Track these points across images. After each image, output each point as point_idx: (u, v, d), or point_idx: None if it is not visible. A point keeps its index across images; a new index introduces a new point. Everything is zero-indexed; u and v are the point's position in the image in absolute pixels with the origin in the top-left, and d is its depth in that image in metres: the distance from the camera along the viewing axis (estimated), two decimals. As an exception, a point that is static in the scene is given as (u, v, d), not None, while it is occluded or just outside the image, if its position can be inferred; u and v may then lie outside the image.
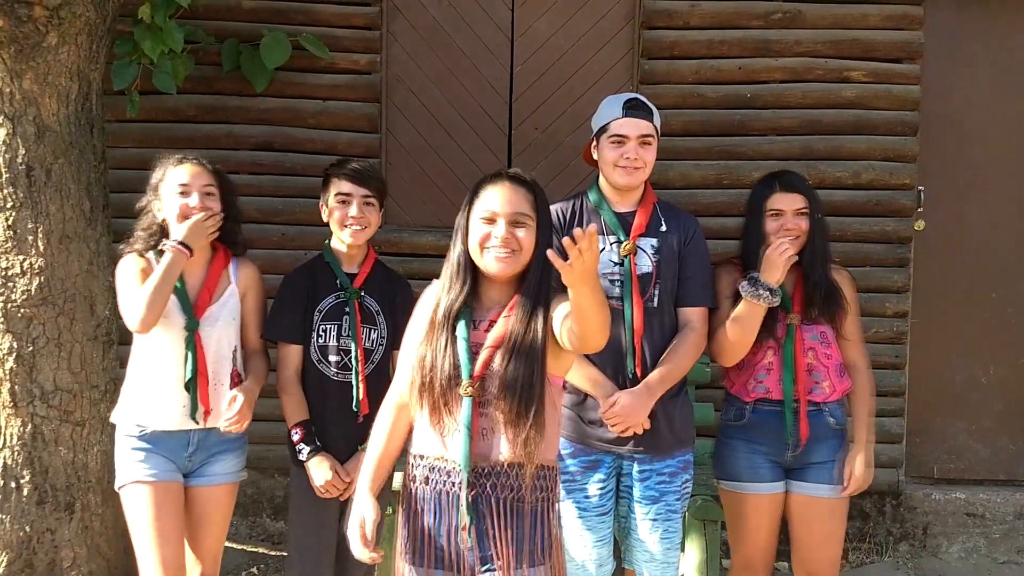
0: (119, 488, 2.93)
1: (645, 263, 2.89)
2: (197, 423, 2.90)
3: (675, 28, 4.43)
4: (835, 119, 4.43)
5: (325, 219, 3.11)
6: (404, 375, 2.33)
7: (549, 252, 2.01)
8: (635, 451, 2.88)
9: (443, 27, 4.55)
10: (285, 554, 4.10)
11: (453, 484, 2.22)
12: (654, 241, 2.91)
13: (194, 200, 2.90)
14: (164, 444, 2.90)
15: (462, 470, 2.19)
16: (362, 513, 2.30)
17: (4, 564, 3.44)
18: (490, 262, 2.24)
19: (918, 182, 4.48)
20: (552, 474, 2.30)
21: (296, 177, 4.44)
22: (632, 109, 2.89)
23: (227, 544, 4.40)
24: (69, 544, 3.48)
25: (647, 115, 2.90)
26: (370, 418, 3.03)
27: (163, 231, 2.95)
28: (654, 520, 2.89)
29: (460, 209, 2.32)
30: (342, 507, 3.06)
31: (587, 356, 2.79)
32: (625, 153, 2.87)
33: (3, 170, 3.39)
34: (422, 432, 2.28)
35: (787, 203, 2.98)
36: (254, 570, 4.31)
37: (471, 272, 2.28)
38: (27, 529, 3.44)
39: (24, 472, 3.43)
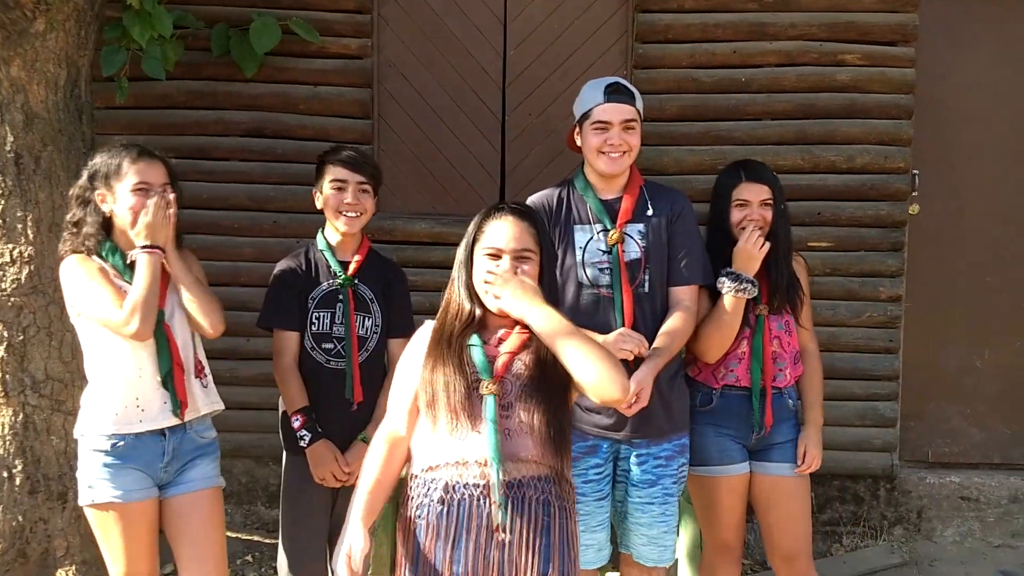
0: (84, 505, 2.77)
1: (633, 249, 2.88)
2: (178, 419, 2.77)
3: (669, 11, 4.40)
4: (830, 103, 4.41)
5: (319, 206, 3.09)
6: (399, 409, 2.32)
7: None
8: (633, 436, 2.88)
9: (435, 11, 4.52)
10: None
11: (478, 487, 2.15)
12: (641, 226, 2.90)
13: (154, 199, 2.70)
14: (138, 456, 2.73)
15: (492, 463, 2.13)
16: (351, 543, 2.26)
17: (-3, 554, 3.43)
18: (492, 300, 2.24)
19: (913, 166, 4.46)
20: (570, 487, 2.28)
21: (287, 164, 4.40)
22: (614, 94, 2.86)
23: (221, 532, 4.43)
24: (62, 533, 3.47)
25: (629, 99, 2.88)
26: (363, 406, 3.03)
27: (107, 227, 2.78)
28: (651, 503, 2.90)
29: (462, 243, 2.32)
30: (335, 496, 3.06)
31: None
32: (608, 139, 2.85)
33: (-9, 158, 3.36)
34: (436, 443, 2.21)
35: (753, 194, 3.02)
36: (249, 558, 4.30)
37: (476, 304, 2.27)
38: (20, 519, 3.42)
39: (16, 462, 3.41)
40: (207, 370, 2.94)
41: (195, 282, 2.80)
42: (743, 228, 3.01)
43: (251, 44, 4.13)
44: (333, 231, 3.07)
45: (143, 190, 2.73)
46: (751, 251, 2.91)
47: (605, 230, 2.87)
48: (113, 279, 2.76)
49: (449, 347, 2.23)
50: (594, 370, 2.09)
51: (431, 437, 2.22)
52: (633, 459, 2.91)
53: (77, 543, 3.48)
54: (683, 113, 4.43)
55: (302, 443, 2.96)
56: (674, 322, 2.88)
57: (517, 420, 2.17)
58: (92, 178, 2.79)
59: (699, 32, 4.40)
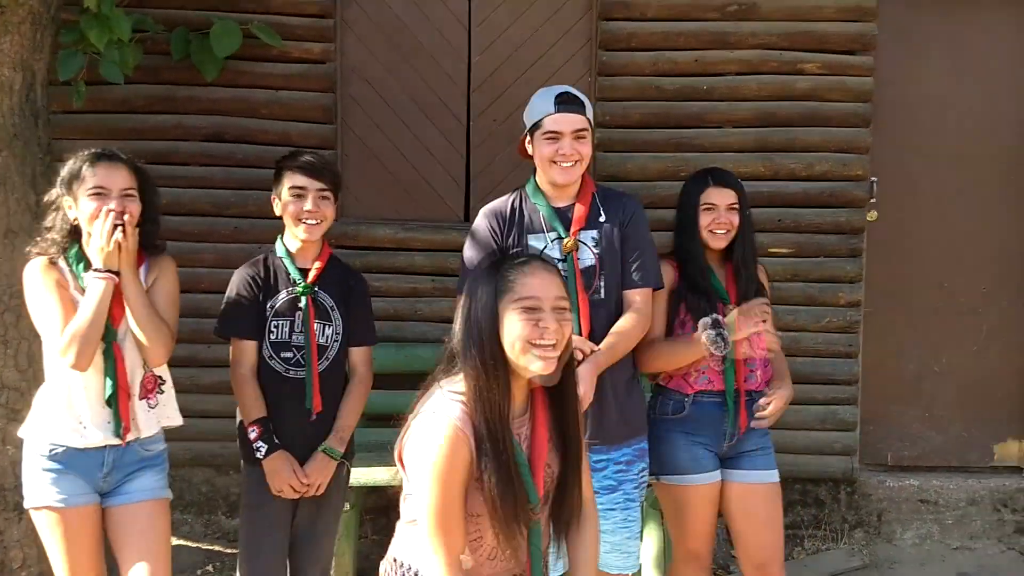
0: (28, 507, 2.76)
1: (587, 256, 2.88)
2: (118, 440, 2.73)
3: (632, 19, 4.42)
4: (790, 111, 4.46)
5: (278, 213, 3.05)
6: (455, 531, 1.92)
7: None
8: (591, 442, 2.88)
9: (399, 16, 4.50)
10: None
11: None
12: (594, 233, 2.89)
13: (112, 204, 2.65)
14: (77, 464, 2.70)
15: None
16: None
17: (-50, 567, 3.36)
18: (539, 362, 1.91)
19: (871, 173, 4.52)
20: None
21: (248, 169, 4.36)
22: (564, 104, 2.85)
23: (183, 542, 4.37)
24: (18, 544, 3.41)
25: (580, 108, 2.88)
26: (324, 416, 2.99)
27: (75, 232, 2.74)
28: (612, 509, 2.89)
29: (473, 297, 1.97)
30: (295, 506, 3.02)
31: None
32: (560, 149, 2.84)
33: (-56, 163, 3.29)
34: (474, 559, 2.00)
35: (720, 198, 3.06)
36: (209, 568, 4.25)
37: (507, 373, 1.93)
38: (-26, 531, 3.35)
39: (-30, 473, 3.34)
40: (166, 384, 2.89)
41: (145, 310, 2.71)
42: (710, 232, 3.04)
43: (212, 48, 4.09)
44: (292, 238, 3.03)
45: (99, 194, 2.67)
46: (747, 326, 2.94)
47: (559, 238, 2.86)
48: (72, 290, 2.72)
49: (498, 442, 1.89)
50: None
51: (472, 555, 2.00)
52: (593, 465, 2.89)
53: (34, 554, 3.41)
54: (646, 120, 4.45)
55: (258, 455, 2.92)
56: (624, 323, 2.87)
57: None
58: (60, 184, 2.75)
59: (662, 40, 4.43)
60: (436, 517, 1.90)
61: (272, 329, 2.97)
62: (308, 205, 2.94)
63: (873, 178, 4.54)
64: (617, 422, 2.89)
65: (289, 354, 2.97)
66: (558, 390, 2.01)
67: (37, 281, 2.72)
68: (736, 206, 3.06)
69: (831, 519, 4.63)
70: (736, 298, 3.05)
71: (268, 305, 2.98)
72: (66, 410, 2.71)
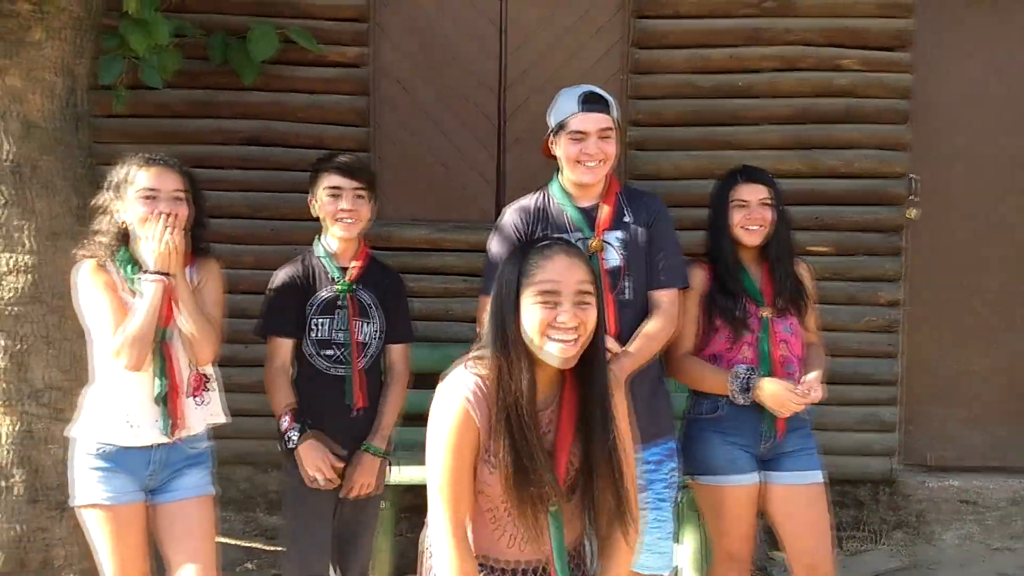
0: (75, 506, 2.79)
1: (613, 257, 2.86)
2: (167, 438, 2.76)
3: (666, 17, 4.41)
4: (828, 108, 4.42)
5: (315, 214, 3.09)
6: (461, 494, 1.97)
7: None
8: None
9: (432, 18, 4.53)
10: (281, 549, 4.09)
11: None
12: (620, 233, 2.87)
13: (162, 207, 2.70)
14: (125, 463, 2.74)
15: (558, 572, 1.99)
16: None
17: (-4, 563, 3.42)
18: (554, 350, 1.90)
19: (911, 170, 4.47)
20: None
21: (285, 172, 4.41)
22: (589, 103, 2.84)
23: (223, 539, 4.41)
24: (61, 543, 3.46)
25: (604, 108, 2.86)
26: (365, 412, 3.03)
27: (124, 235, 2.78)
28: (642, 509, 2.85)
29: (499, 282, 1.97)
30: (338, 502, 3.05)
31: None
32: (585, 149, 2.82)
33: (-11, 167, 3.36)
34: (489, 537, 2.03)
35: (752, 194, 3.01)
36: (249, 565, 4.30)
37: (530, 360, 1.93)
38: (19, 528, 3.41)
39: (16, 471, 3.40)
40: (213, 381, 2.93)
41: (194, 312, 2.76)
42: (743, 228, 3.00)
43: (249, 53, 4.14)
44: (330, 238, 3.07)
45: (150, 197, 2.72)
46: (784, 405, 2.89)
47: (584, 238, 2.85)
48: (122, 291, 2.76)
49: (519, 423, 1.90)
50: None
51: (481, 521, 2.03)
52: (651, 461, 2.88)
53: (76, 552, 3.46)
54: (681, 118, 4.44)
55: (290, 445, 2.94)
56: (651, 326, 2.84)
57: (566, 518, 2.02)
58: (108, 188, 2.80)
59: (697, 37, 4.41)
60: (443, 483, 1.95)
61: (313, 327, 3.01)
62: (344, 204, 2.98)
63: (913, 175, 4.49)
64: (644, 422, 2.86)
65: (331, 351, 3.01)
66: (584, 378, 1.99)
67: (89, 283, 2.76)
68: (769, 201, 3.01)
69: (871, 520, 4.58)
70: (771, 298, 3.01)
71: (309, 303, 3.02)
72: (116, 409, 2.75)
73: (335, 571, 3.13)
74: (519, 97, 4.54)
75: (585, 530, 2.09)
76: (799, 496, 3.01)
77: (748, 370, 2.92)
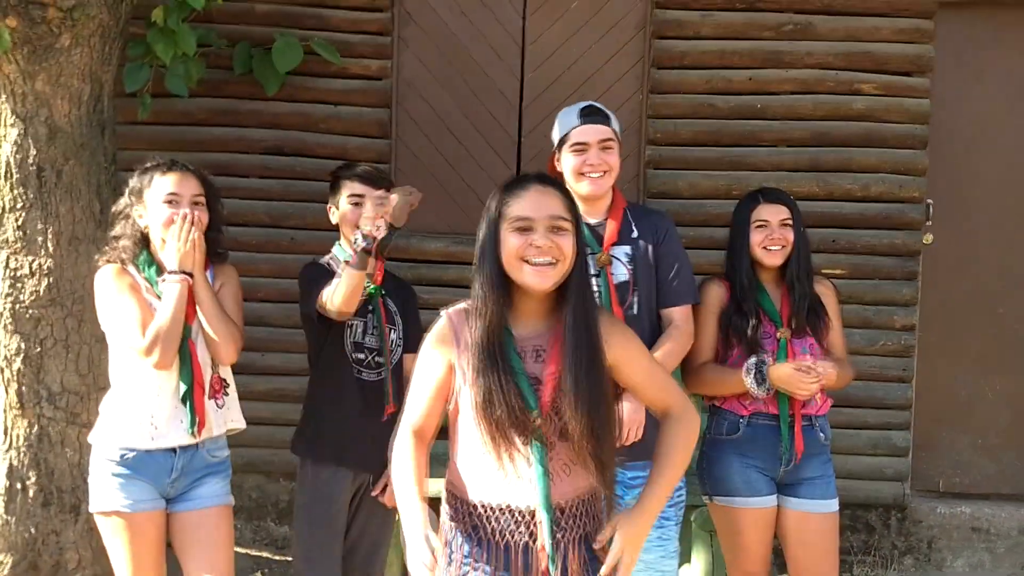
0: (94, 512, 2.80)
1: (621, 272, 2.87)
2: (193, 437, 2.78)
3: (686, 38, 4.43)
4: (845, 131, 4.43)
5: (334, 222, 3.10)
6: (421, 400, 2.12)
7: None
8: (626, 460, 2.86)
9: (454, 33, 4.56)
10: (289, 559, 4.09)
11: (522, 533, 2.02)
12: (627, 248, 2.89)
13: (184, 210, 2.74)
14: (146, 469, 2.75)
15: (542, 512, 1.98)
16: (422, 553, 1.96)
17: (9, 565, 3.44)
18: (530, 276, 2.00)
19: (927, 195, 4.47)
20: (606, 495, 2.15)
21: (306, 182, 4.43)
22: (589, 115, 2.88)
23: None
24: (74, 546, 3.48)
25: (604, 120, 2.90)
26: (393, 416, 3.01)
27: (144, 240, 2.82)
28: None
29: (482, 225, 2.08)
30: (351, 517, 3.05)
31: None
32: (587, 160, 2.85)
33: (14, 170, 3.40)
34: (479, 478, 2.05)
35: (772, 214, 3.03)
36: (258, 574, 4.30)
37: (506, 291, 2.03)
38: (32, 531, 3.44)
39: (30, 473, 3.43)
40: (230, 387, 2.94)
41: (216, 310, 2.80)
42: (764, 248, 3.01)
43: (273, 63, 4.18)
44: (350, 246, 3.06)
45: (172, 202, 2.76)
46: (796, 385, 2.88)
47: (592, 253, 2.85)
48: (145, 293, 2.78)
49: (492, 355, 1.99)
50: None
51: (473, 465, 2.06)
52: (627, 481, 2.87)
53: (89, 556, 3.48)
54: (698, 138, 4.45)
55: (367, 243, 2.82)
56: (667, 346, 2.86)
57: (561, 462, 2.03)
58: (130, 194, 2.84)
59: (716, 59, 4.43)
60: (411, 387, 2.14)
61: (349, 327, 2.98)
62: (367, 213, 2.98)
63: (929, 200, 4.49)
64: (651, 439, 2.87)
65: (361, 355, 3.00)
66: (568, 309, 2.04)
67: (112, 286, 2.78)
68: (789, 222, 3.03)
69: (881, 545, 4.56)
70: (788, 319, 3.01)
71: None
72: (139, 412, 2.75)
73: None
74: (539, 114, 4.56)
75: (585, 489, 2.06)
76: (814, 525, 2.99)
77: (759, 361, 2.93)
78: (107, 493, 2.75)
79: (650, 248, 2.90)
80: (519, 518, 2.02)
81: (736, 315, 3.01)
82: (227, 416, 2.91)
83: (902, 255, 4.46)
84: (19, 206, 3.40)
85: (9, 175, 3.41)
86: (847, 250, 4.45)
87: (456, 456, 2.11)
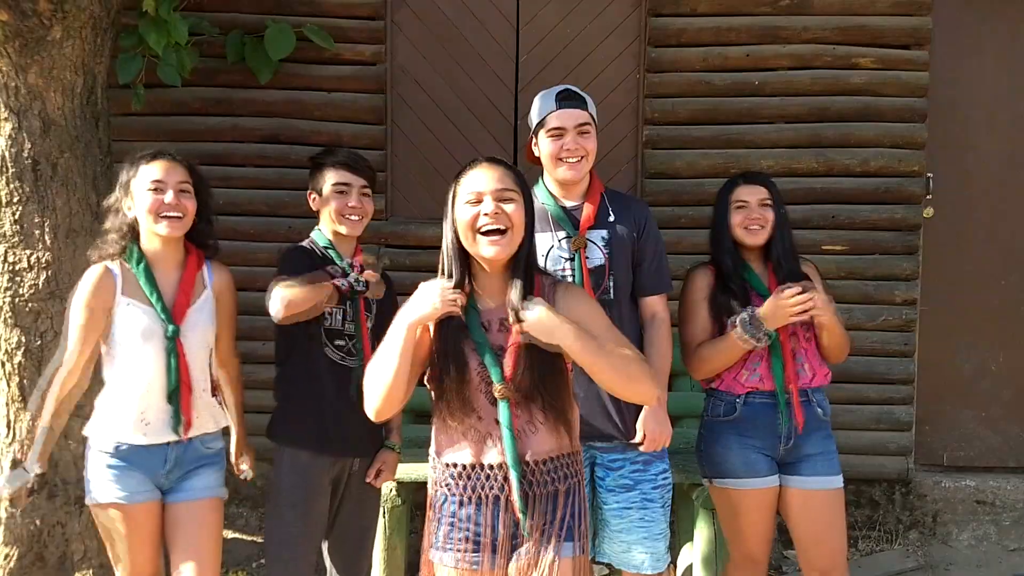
0: (90, 504, 2.80)
1: (597, 256, 2.86)
2: (178, 436, 2.77)
3: (682, 15, 4.41)
4: (843, 106, 4.41)
5: (315, 208, 3.02)
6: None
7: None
8: (607, 444, 2.88)
9: (448, 16, 4.53)
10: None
11: (492, 487, 2.20)
12: (604, 233, 2.88)
13: (168, 197, 2.72)
14: (140, 462, 2.75)
15: (511, 470, 2.17)
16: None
17: (15, 557, 3.45)
18: (484, 247, 2.17)
19: (927, 169, 4.45)
20: (578, 458, 2.31)
21: (302, 170, 4.35)
22: (566, 100, 2.87)
23: (238, 535, 4.45)
24: (80, 537, 3.50)
25: (581, 104, 2.89)
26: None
27: (133, 231, 2.79)
28: (628, 508, 2.86)
29: (446, 208, 2.24)
30: (337, 505, 3.00)
31: None
32: (564, 145, 2.85)
33: (9, 164, 3.40)
34: (449, 440, 2.25)
35: (751, 194, 3.04)
36: (263, 560, 4.32)
37: (465, 263, 2.22)
38: (38, 523, 3.45)
39: (34, 466, 3.44)
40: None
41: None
42: (744, 228, 3.02)
43: (266, 51, 4.17)
44: (329, 234, 2.99)
45: (157, 189, 2.73)
46: (785, 310, 2.87)
47: (568, 236, 2.85)
48: (120, 295, 2.74)
49: (454, 333, 2.20)
50: (624, 388, 2.19)
51: (443, 428, 2.25)
52: (608, 464, 2.89)
53: (94, 546, 3.50)
54: (696, 117, 4.43)
55: (360, 287, 2.86)
56: (655, 341, 2.90)
57: (526, 419, 2.20)
58: (119, 187, 2.82)
59: (712, 36, 4.41)
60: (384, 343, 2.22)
61: (326, 316, 2.93)
62: (352, 201, 2.93)
63: (929, 174, 4.47)
64: (632, 423, 2.88)
65: (341, 342, 2.97)
66: (519, 272, 2.19)
67: (83, 296, 2.75)
68: (768, 202, 3.04)
69: (886, 520, 4.57)
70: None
71: None
72: (130, 409, 2.76)
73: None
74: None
75: (553, 447, 2.22)
76: (818, 502, 2.99)
77: (747, 311, 2.92)
78: (103, 485, 2.75)
79: (629, 236, 2.89)
80: (490, 473, 2.20)
81: (723, 295, 3.02)
82: (223, 412, 2.93)
83: (902, 229, 4.45)
84: (15, 200, 3.40)
85: (4, 169, 3.41)
86: (847, 225, 4.44)
87: (435, 420, 2.28)
